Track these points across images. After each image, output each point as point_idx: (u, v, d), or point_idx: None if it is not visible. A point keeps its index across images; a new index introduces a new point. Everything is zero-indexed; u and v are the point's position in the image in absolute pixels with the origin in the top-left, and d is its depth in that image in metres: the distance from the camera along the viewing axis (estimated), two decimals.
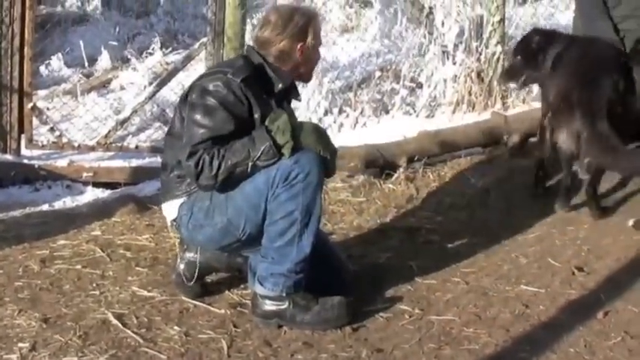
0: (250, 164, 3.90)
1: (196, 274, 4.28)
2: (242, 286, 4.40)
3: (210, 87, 4.00)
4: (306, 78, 4.43)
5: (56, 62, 8.60)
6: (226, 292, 4.40)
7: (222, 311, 4.21)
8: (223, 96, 3.98)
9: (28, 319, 4.07)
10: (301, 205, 3.92)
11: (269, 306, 4.04)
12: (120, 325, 4.03)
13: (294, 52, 4.18)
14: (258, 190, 3.94)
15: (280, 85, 4.17)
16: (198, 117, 3.97)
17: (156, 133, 6.97)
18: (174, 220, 4.23)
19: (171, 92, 7.07)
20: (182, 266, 4.31)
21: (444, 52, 7.41)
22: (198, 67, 7.01)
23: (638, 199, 5.46)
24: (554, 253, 4.82)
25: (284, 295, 4.01)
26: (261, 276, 4.04)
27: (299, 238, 3.96)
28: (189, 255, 4.30)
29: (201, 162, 3.89)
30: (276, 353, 3.85)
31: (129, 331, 3.98)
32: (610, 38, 5.80)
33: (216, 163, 3.88)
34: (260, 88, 4.09)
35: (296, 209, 3.92)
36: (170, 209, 4.24)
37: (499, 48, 7.23)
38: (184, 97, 4.14)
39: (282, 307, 4.02)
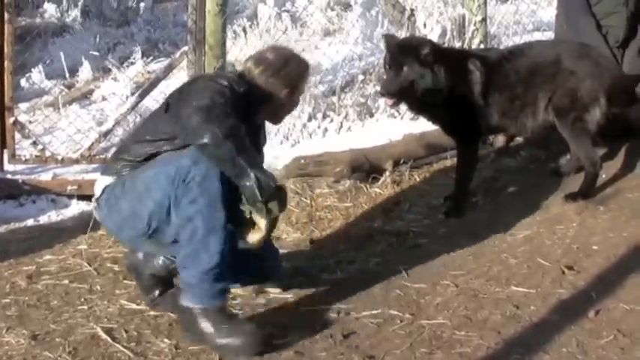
0: (235, 178, 3.84)
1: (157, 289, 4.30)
2: (230, 295, 4.37)
3: (214, 84, 4.01)
4: (278, 121, 4.55)
5: (37, 74, 8.54)
6: None
7: None
8: (228, 94, 3.97)
9: (17, 336, 4.04)
10: (201, 211, 3.82)
11: (193, 319, 3.93)
12: (109, 339, 4.01)
13: (279, 95, 4.24)
14: (161, 185, 3.88)
15: (259, 119, 4.28)
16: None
17: None
18: (97, 199, 4.17)
19: (154, 102, 7.02)
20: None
21: None
22: (180, 76, 6.98)
23: (628, 195, 5.45)
24: (544, 253, 4.81)
25: (200, 308, 3.91)
26: (181, 287, 3.99)
27: (205, 244, 3.84)
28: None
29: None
30: None
31: (119, 346, 3.95)
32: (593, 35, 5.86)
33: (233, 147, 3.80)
34: (248, 110, 4.12)
35: (196, 214, 3.82)
36: (98, 186, 4.17)
37: (482, 47, 7.23)
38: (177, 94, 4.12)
39: (201, 323, 3.90)
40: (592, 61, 5.48)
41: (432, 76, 5.24)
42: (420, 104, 5.43)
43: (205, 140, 3.77)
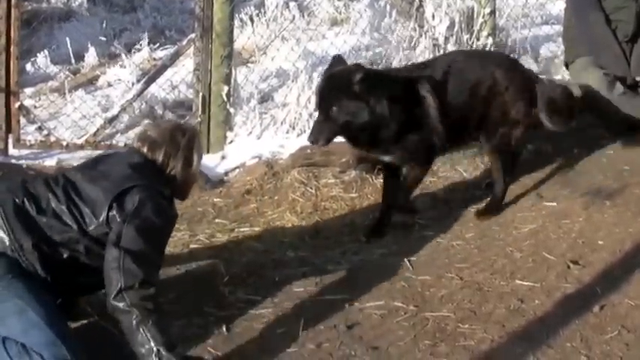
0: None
1: None
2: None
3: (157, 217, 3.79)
4: (187, 196, 4.35)
5: (42, 59, 8.51)
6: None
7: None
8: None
9: None
10: None
11: None
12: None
13: (187, 177, 4.11)
14: None
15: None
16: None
17: None
18: None
19: (160, 89, 7.01)
20: None
21: (434, 45, 7.36)
22: (186, 63, 6.95)
23: (634, 190, 5.43)
24: (549, 247, 4.80)
25: None
26: None
27: None
28: None
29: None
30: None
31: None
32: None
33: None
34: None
35: None
36: None
37: (490, 40, 7.23)
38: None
39: None
40: (522, 75, 5.35)
41: (369, 109, 4.68)
42: (369, 141, 4.91)
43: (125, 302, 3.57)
